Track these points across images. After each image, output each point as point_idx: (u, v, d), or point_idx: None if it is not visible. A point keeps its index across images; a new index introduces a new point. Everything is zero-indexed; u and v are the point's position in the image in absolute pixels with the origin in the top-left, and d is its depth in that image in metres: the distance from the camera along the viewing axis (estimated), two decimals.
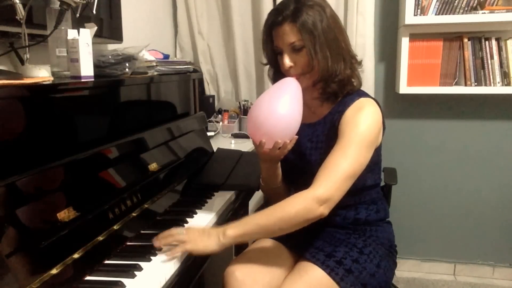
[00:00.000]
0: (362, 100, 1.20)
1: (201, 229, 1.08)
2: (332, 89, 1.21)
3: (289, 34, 1.16)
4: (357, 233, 1.27)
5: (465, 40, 2.09)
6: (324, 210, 1.08)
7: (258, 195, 1.80)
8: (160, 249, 1.00)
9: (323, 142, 1.23)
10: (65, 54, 1.15)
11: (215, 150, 1.74)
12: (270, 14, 1.21)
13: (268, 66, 1.33)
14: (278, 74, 1.27)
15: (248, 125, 1.17)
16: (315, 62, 1.16)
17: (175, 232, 1.03)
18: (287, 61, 1.18)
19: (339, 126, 1.17)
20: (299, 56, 1.17)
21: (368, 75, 2.21)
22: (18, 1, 1.03)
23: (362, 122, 1.15)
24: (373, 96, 1.27)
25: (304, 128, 1.26)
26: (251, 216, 1.12)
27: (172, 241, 1.01)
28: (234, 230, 1.06)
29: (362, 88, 1.27)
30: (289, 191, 1.34)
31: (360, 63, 1.26)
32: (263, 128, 1.12)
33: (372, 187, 1.30)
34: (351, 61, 1.22)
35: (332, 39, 1.17)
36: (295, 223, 1.08)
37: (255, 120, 1.13)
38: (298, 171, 1.29)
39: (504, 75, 2.08)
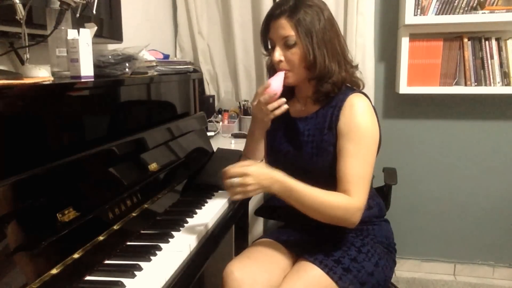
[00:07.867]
0: (354, 96, 1.21)
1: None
2: (325, 89, 1.21)
3: (284, 29, 1.17)
4: (355, 232, 1.27)
5: (465, 40, 2.09)
6: (358, 219, 1.14)
7: (258, 195, 1.80)
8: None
9: (314, 135, 1.25)
10: (65, 54, 1.15)
11: (215, 150, 1.74)
12: (271, 7, 1.24)
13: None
14: (273, 65, 1.28)
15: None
16: (312, 59, 1.17)
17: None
18: (277, 55, 1.20)
19: (339, 126, 1.19)
20: (290, 52, 1.19)
21: (368, 75, 2.21)
22: (18, 1, 1.03)
23: (364, 123, 1.17)
24: (373, 96, 1.28)
25: (297, 123, 1.28)
26: (304, 188, 1.11)
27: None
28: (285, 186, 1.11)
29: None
30: None
31: (356, 67, 1.28)
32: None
33: None
34: (346, 66, 1.23)
35: (328, 40, 1.18)
36: (329, 220, 1.15)
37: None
38: (291, 159, 1.30)
39: (504, 75, 2.08)
